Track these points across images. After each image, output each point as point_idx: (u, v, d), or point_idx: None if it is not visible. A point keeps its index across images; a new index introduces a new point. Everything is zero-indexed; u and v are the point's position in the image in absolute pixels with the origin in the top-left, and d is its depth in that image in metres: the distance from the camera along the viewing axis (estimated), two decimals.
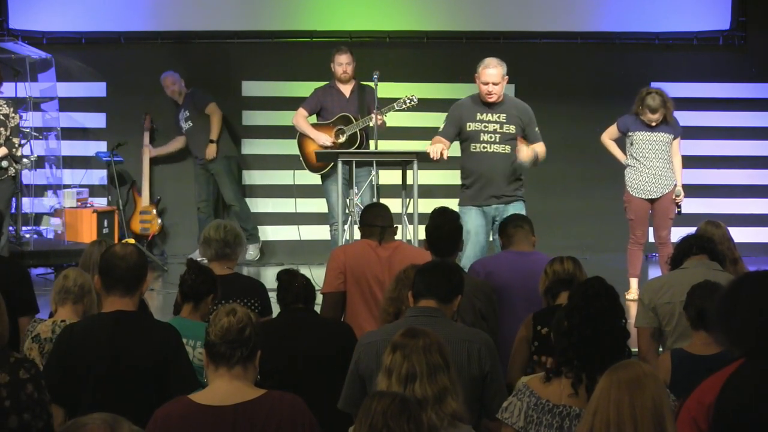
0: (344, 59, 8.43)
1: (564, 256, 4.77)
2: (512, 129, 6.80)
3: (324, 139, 8.30)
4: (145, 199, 9.97)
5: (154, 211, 9.97)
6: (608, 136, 8.07)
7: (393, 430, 2.76)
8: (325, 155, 7.73)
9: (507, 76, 6.84)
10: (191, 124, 9.76)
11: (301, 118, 8.52)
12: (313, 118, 8.60)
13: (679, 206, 7.90)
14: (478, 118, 6.81)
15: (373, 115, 7.84)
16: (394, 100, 7.99)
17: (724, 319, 3.01)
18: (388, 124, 8.17)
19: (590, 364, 3.28)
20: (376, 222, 5.30)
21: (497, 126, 6.78)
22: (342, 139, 8.27)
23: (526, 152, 6.72)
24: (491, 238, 6.87)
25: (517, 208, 6.73)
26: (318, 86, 8.65)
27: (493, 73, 6.75)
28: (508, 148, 6.78)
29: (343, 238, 6.95)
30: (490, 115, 6.79)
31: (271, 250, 10.25)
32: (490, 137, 6.78)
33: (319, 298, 5.10)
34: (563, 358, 3.37)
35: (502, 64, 6.82)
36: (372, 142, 8.25)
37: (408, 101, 7.83)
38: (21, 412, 2.78)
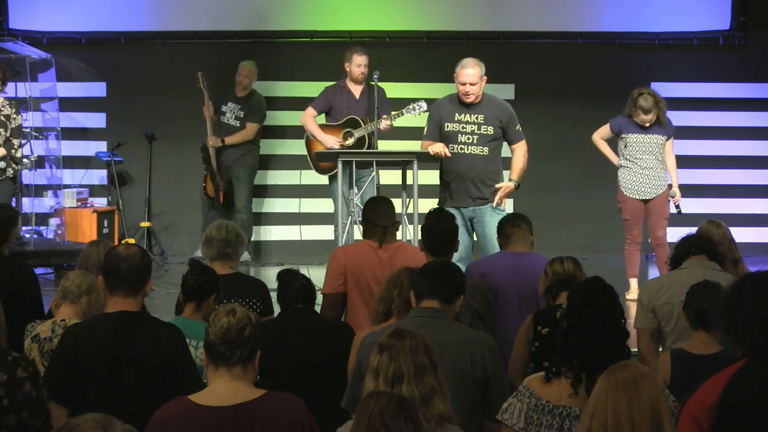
0: (363, 60, 8.32)
1: (564, 256, 4.77)
2: (490, 130, 6.77)
3: (332, 141, 8.22)
4: (215, 162, 9.54)
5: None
6: (600, 136, 8.06)
7: (391, 430, 2.76)
8: (325, 155, 7.71)
9: (486, 77, 6.79)
10: (238, 125, 9.57)
11: (309, 118, 8.39)
12: (322, 118, 8.55)
13: (678, 206, 7.88)
14: (456, 119, 6.78)
15: (381, 120, 7.84)
16: (397, 100, 7.96)
17: (727, 319, 3.02)
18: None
19: (590, 364, 3.29)
20: (379, 221, 5.29)
21: (475, 127, 6.76)
22: (350, 141, 8.21)
23: (499, 197, 6.73)
24: (474, 238, 6.87)
25: (495, 210, 6.71)
26: (328, 85, 8.58)
27: (471, 73, 6.72)
28: (486, 150, 6.76)
29: (343, 239, 6.95)
30: (468, 115, 6.77)
31: (271, 249, 10.26)
32: (468, 138, 6.76)
33: (319, 298, 5.11)
34: (562, 358, 3.37)
35: (480, 65, 6.78)
36: (379, 143, 8.24)
37: (417, 108, 7.74)
38: (19, 410, 2.78)
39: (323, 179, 8.49)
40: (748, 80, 10.34)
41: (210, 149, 9.44)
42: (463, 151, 6.75)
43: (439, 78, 9.99)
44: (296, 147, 9.96)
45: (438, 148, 6.76)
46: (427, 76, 10.03)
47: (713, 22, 10.33)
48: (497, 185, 6.76)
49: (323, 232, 9.06)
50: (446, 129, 6.78)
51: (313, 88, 9.94)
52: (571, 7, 10.31)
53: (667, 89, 8.02)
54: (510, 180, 6.87)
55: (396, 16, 10.28)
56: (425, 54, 10.30)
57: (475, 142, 6.74)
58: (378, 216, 5.32)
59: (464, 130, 6.75)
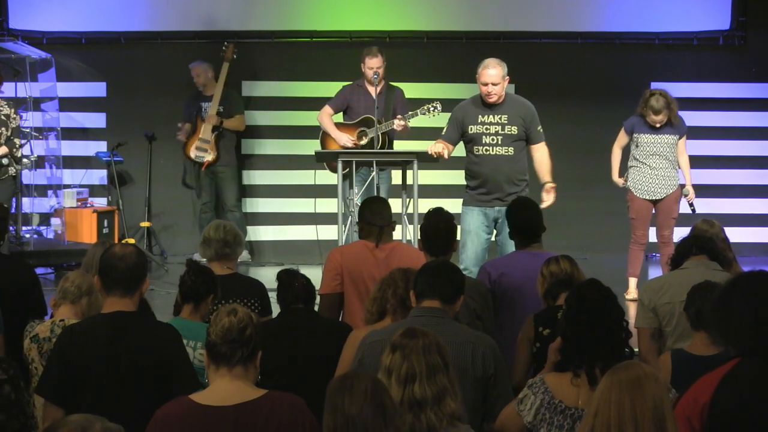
0: (375, 63, 8.19)
1: (558, 255, 4.75)
2: (514, 130, 6.76)
3: (345, 139, 8.20)
4: (206, 130, 9.56)
5: (213, 142, 9.59)
6: (618, 146, 8.07)
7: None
8: (324, 155, 7.70)
9: (508, 77, 6.79)
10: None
11: (325, 116, 8.38)
12: (340, 117, 8.51)
13: (692, 205, 7.88)
14: (479, 121, 6.77)
15: (394, 120, 7.83)
16: (412, 101, 7.96)
17: (720, 319, 3.02)
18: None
19: (591, 363, 3.30)
20: (375, 221, 5.28)
21: (499, 128, 6.75)
22: (364, 141, 8.19)
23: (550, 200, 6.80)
24: (493, 238, 6.85)
25: None
26: (345, 84, 8.53)
27: (493, 73, 6.71)
28: (511, 150, 6.75)
29: (342, 239, 6.94)
30: (491, 116, 6.76)
31: (270, 250, 10.26)
32: (493, 139, 6.75)
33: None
34: (564, 358, 3.38)
35: (502, 65, 6.77)
36: (395, 144, 8.22)
37: (432, 109, 7.71)
38: None
39: (330, 179, 8.47)
40: (748, 80, 10.33)
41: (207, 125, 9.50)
42: (488, 152, 6.74)
43: (439, 78, 10.01)
44: (300, 147, 9.97)
45: (437, 148, 6.75)
46: (428, 76, 10.03)
47: (713, 22, 10.33)
48: (544, 201, 6.74)
49: (323, 232, 9.04)
50: (470, 131, 6.77)
51: (313, 89, 9.95)
52: (571, 7, 10.31)
53: (667, 89, 8.00)
54: (547, 183, 6.87)
55: (396, 16, 10.28)
56: (425, 54, 10.30)
57: (499, 142, 6.73)
58: (374, 216, 5.30)
59: (488, 131, 6.74)
